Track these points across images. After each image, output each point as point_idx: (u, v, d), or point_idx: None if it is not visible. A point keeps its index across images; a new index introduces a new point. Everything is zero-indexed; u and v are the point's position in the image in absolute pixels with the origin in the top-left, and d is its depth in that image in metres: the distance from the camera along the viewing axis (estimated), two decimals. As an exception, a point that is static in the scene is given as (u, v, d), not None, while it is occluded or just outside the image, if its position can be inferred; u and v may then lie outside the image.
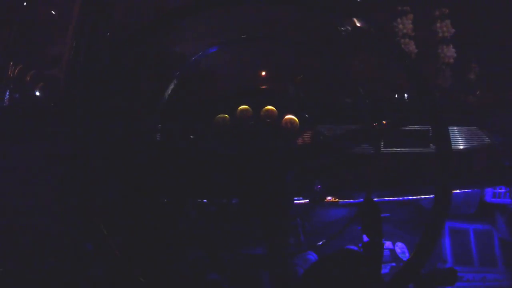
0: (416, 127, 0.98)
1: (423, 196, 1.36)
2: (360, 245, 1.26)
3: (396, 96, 1.09)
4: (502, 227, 1.83)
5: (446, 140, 0.66)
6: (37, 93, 1.07)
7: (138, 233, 0.99)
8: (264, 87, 0.98)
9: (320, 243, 0.99)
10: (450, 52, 1.15)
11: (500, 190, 1.73)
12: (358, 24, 0.64)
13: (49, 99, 1.06)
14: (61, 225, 0.99)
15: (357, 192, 1.08)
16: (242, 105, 0.86)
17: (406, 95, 1.08)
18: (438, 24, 1.16)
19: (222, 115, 0.86)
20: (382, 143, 0.94)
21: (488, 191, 1.75)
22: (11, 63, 1.08)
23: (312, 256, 1.45)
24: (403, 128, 0.95)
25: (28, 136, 1.01)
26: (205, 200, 1.01)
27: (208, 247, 1.15)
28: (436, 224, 0.64)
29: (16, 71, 1.09)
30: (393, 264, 0.63)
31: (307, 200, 1.03)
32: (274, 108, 0.86)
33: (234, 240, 1.16)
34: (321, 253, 1.38)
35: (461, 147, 1.06)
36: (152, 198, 0.96)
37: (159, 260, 1.04)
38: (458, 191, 1.58)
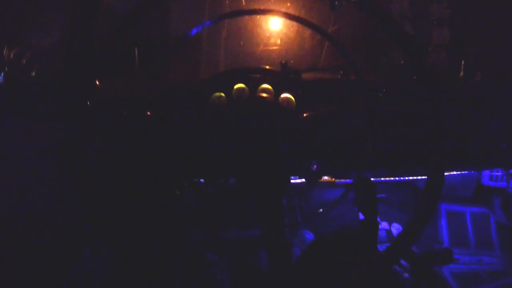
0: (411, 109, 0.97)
1: (419, 177, 1.36)
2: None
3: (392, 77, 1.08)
4: (499, 210, 1.84)
5: (440, 121, 0.66)
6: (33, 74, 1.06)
7: (136, 215, 1.00)
8: (260, 67, 0.97)
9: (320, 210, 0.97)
10: (445, 33, 1.14)
11: (496, 173, 1.74)
12: None
13: (44, 79, 1.05)
14: (59, 206, 0.99)
15: (353, 171, 1.08)
16: (238, 84, 0.85)
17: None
18: (435, 5, 1.15)
19: (218, 93, 0.85)
20: (377, 122, 0.93)
21: (485, 174, 1.77)
22: (6, 46, 1.07)
23: (309, 236, 1.46)
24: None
25: (24, 116, 1.01)
26: (202, 180, 1.00)
27: (205, 227, 1.16)
28: (429, 201, 0.64)
29: (11, 54, 1.08)
30: (389, 244, 0.64)
31: (304, 180, 1.03)
32: (270, 87, 0.85)
33: (232, 220, 1.17)
34: (318, 232, 1.39)
35: (459, 129, 1.06)
36: (148, 179, 0.96)
37: (157, 240, 1.05)
38: (455, 172, 1.59)
